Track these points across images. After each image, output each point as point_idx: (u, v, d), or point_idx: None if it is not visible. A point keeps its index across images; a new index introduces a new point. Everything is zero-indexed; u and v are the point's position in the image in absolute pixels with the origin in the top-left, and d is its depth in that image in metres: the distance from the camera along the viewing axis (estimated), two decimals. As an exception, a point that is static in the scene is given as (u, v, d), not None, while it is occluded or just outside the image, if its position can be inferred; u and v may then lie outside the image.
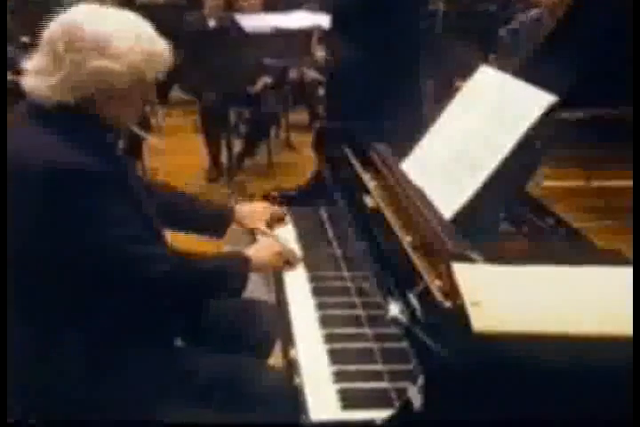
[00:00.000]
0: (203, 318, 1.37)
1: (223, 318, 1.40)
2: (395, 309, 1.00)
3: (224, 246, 1.82)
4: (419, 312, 0.96)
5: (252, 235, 1.56)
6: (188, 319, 1.32)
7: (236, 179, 3.68)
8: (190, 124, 4.72)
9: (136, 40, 1.08)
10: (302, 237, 1.55)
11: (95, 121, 1.11)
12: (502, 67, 1.31)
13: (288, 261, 1.39)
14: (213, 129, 3.72)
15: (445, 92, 1.44)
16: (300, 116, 4.89)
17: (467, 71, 1.36)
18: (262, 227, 1.52)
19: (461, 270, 0.95)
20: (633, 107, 1.13)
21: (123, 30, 1.08)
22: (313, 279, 1.35)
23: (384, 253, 1.18)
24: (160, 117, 4.89)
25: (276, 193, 1.71)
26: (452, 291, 0.94)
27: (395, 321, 0.99)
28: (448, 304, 0.94)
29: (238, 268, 1.27)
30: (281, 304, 1.29)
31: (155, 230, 1.22)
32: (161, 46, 1.13)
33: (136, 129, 1.28)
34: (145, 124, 3.27)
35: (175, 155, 3.87)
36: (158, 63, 1.12)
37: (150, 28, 1.13)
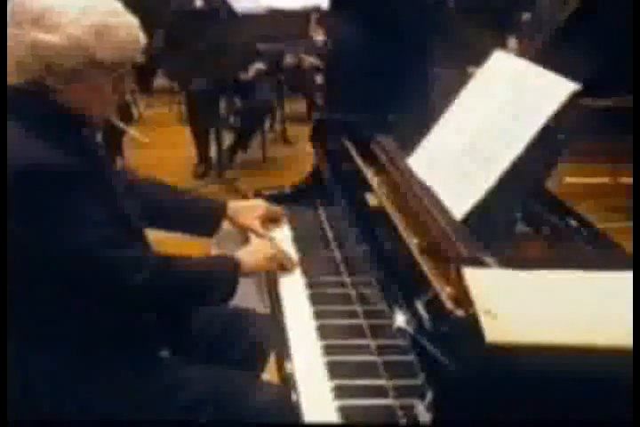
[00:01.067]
0: (189, 328, 1.37)
1: (211, 328, 1.40)
2: (400, 318, 1.00)
3: (211, 247, 1.83)
4: (427, 322, 0.96)
5: (244, 235, 1.56)
6: (174, 329, 1.33)
7: (227, 175, 3.69)
8: (176, 114, 4.73)
9: (82, 12, 1.05)
10: (299, 239, 1.55)
11: (59, 109, 1.10)
12: (524, 52, 1.31)
13: (283, 266, 1.39)
14: (201, 120, 3.72)
15: (457, 80, 1.45)
16: (296, 106, 4.90)
17: (481, 56, 1.37)
18: (257, 226, 1.53)
19: (474, 276, 0.96)
20: (633, 107, 1.14)
21: (68, 1, 1.06)
22: (310, 285, 1.36)
23: (388, 256, 1.18)
24: (142, 107, 4.91)
25: (271, 191, 1.72)
26: (464, 298, 0.94)
27: (400, 332, 0.99)
28: (459, 313, 0.95)
29: (227, 273, 1.27)
30: (275, 313, 1.29)
31: (135, 232, 1.22)
32: (119, 22, 1.08)
33: (115, 120, 1.28)
34: (125, 115, 3.28)
35: (159, 149, 3.87)
36: (113, 42, 1.08)
37: (115, 4, 1.10)
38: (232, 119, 4.05)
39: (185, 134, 3.90)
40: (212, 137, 3.72)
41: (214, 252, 1.81)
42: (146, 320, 1.22)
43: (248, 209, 1.53)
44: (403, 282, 1.09)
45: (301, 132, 3.87)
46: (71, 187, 1.06)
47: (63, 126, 1.11)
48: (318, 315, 1.26)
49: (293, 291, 1.35)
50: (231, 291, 1.26)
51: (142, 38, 1.14)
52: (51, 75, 1.07)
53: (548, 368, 0.84)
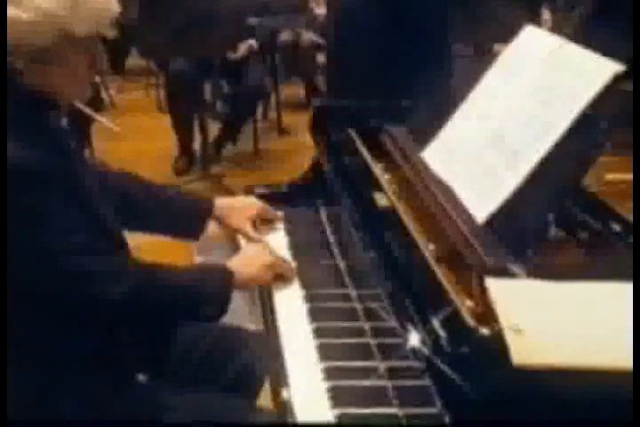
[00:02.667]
0: (172, 349, 1.38)
1: (197, 349, 1.41)
2: (414, 337, 1.01)
3: (195, 255, 1.84)
4: (444, 341, 0.97)
5: (233, 239, 1.57)
6: (153, 350, 1.34)
7: (213, 171, 3.70)
8: (153, 100, 4.75)
9: None
10: (296, 244, 1.56)
11: (28, 94, 1.11)
12: (559, 27, 1.33)
13: (280, 276, 1.40)
14: (183, 107, 3.73)
15: (481, 59, 1.46)
16: (294, 90, 4.92)
17: (509, 32, 1.38)
18: (249, 228, 1.54)
19: (499, 288, 0.97)
20: (633, 106, 1.15)
21: None
22: (310, 299, 1.37)
23: (400, 265, 1.19)
24: (113, 91, 4.93)
25: (264, 189, 1.73)
26: (487, 314, 0.96)
27: (414, 353, 1.00)
28: (482, 331, 0.96)
29: (219, 286, 1.28)
30: (269, 331, 1.30)
31: (113, 237, 1.23)
32: None
33: (82, 107, 1.28)
34: (94, 101, 3.28)
35: (133, 140, 3.89)
36: (88, 12, 1.10)
37: None
38: (219, 106, 4.06)
39: (164, 123, 3.91)
40: (196, 127, 3.73)
41: (198, 259, 1.82)
42: (119, 339, 1.23)
43: (239, 208, 1.54)
44: (416, 295, 1.10)
45: (299, 122, 3.88)
46: (36, 186, 1.07)
47: (30, 113, 1.12)
48: (319, 333, 1.27)
49: (290, 305, 1.35)
50: (223, 307, 1.27)
51: (116, 6, 1.15)
52: (19, 55, 1.09)
53: (582, 394, 0.85)
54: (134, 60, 5.30)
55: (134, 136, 3.89)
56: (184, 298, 1.25)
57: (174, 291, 1.24)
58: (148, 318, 1.23)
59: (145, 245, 1.57)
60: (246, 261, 1.36)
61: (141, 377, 1.30)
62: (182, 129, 3.83)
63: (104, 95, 4.46)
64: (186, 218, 1.49)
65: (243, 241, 1.56)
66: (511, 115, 1.27)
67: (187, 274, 1.30)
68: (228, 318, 1.31)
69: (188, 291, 1.26)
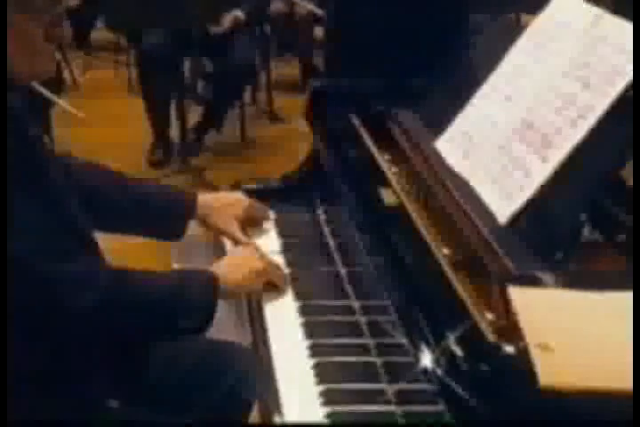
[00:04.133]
0: (147, 368, 1.39)
1: (177, 368, 1.42)
2: (426, 356, 1.02)
3: (172, 261, 1.84)
4: (461, 360, 0.98)
5: (216, 242, 1.58)
6: (126, 369, 1.35)
7: (193, 163, 3.70)
8: (123, 80, 4.75)
9: None
10: (291, 248, 1.57)
11: None
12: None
13: (271, 285, 1.41)
14: (158, 88, 3.73)
15: (506, 32, 1.47)
16: (287, 69, 4.92)
17: (538, 1, 1.39)
18: (236, 229, 1.55)
19: (524, 299, 0.98)
20: (633, 106, 1.17)
21: None
22: (306, 311, 1.38)
23: (410, 273, 1.20)
24: (77, 70, 4.93)
25: (253, 185, 1.73)
26: (511, 328, 0.96)
27: (426, 374, 1.01)
28: (504, 348, 0.97)
29: (201, 294, 1.29)
30: (259, 348, 1.31)
31: (83, 239, 1.24)
32: None
33: (39, 88, 1.28)
34: (54, 81, 3.28)
35: (100, 127, 3.90)
36: None
37: None
38: (200, 87, 4.07)
39: (136, 107, 3.91)
40: (173, 111, 3.74)
41: (176, 265, 1.83)
42: (85, 355, 1.24)
43: (223, 206, 1.55)
44: (429, 307, 1.11)
45: (294, 106, 3.88)
46: None
47: None
48: (316, 351, 1.28)
49: (283, 318, 1.36)
50: (206, 319, 1.27)
51: None
52: None
53: (618, 420, 0.86)
54: (101, 34, 5.29)
55: (101, 122, 3.90)
56: (161, 308, 1.26)
57: (150, 300, 1.25)
58: (120, 331, 1.24)
59: (114, 248, 1.57)
60: (232, 267, 1.36)
61: (112, 402, 1.31)
62: (157, 114, 3.83)
63: (65, 74, 4.45)
64: (165, 217, 1.49)
65: (228, 244, 1.57)
66: (541, 97, 1.28)
67: (165, 281, 1.31)
68: (213, 333, 1.32)
69: (166, 300, 1.26)
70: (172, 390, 1.39)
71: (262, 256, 1.42)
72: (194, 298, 1.28)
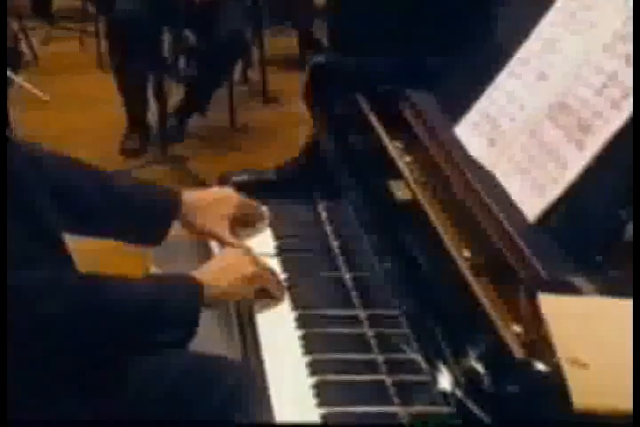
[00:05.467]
0: (124, 385, 1.39)
1: (157, 385, 1.42)
2: (444, 375, 1.03)
3: (151, 265, 1.85)
4: (484, 380, 0.99)
5: (202, 245, 1.59)
6: (100, 387, 1.35)
7: (175, 152, 3.70)
8: (91, 54, 4.74)
9: None
10: (287, 251, 1.58)
11: None
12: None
13: (265, 292, 1.42)
14: (133, 64, 3.73)
15: (535, 3, 1.47)
16: (283, 42, 4.92)
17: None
18: (224, 230, 1.55)
19: (556, 308, 0.98)
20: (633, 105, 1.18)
21: None
22: (305, 322, 1.38)
23: (425, 278, 1.21)
24: (38, 43, 4.91)
25: (243, 176, 1.74)
26: (541, 342, 0.97)
27: (444, 396, 1.01)
28: (533, 365, 0.97)
29: (183, 302, 1.30)
30: (250, 364, 1.32)
31: (52, 242, 1.24)
32: None
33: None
34: (10, 56, 3.27)
35: (66, 110, 3.90)
36: None
37: None
38: (182, 63, 4.06)
39: (107, 87, 3.91)
40: (150, 91, 3.74)
41: (155, 270, 1.83)
42: (54, 372, 1.24)
43: (211, 204, 1.56)
44: (446, 318, 1.11)
45: (291, 85, 3.87)
46: None
47: None
48: (317, 368, 1.28)
49: (278, 331, 1.37)
50: (189, 330, 1.28)
51: None
52: None
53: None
54: (64, 0, 5.29)
55: (66, 104, 3.90)
56: (137, 319, 1.27)
57: (123, 310, 1.26)
58: (89, 342, 1.25)
59: (83, 249, 1.58)
60: (219, 272, 1.37)
61: (87, 415, 1.31)
62: (132, 95, 3.82)
63: (24, 48, 4.44)
64: (144, 220, 1.50)
65: (216, 247, 1.58)
66: (579, 75, 1.28)
67: (141, 288, 1.32)
68: (197, 346, 1.32)
69: (143, 310, 1.27)
70: (152, 409, 1.39)
71: (254, 260, 1.43)
72: (174, 307, 1.29)
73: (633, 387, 0.89)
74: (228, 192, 1.61)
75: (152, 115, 3.78)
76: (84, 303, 1.21)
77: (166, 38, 3.83)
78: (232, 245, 1.53)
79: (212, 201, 1.56)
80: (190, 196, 1.55)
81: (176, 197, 1.53)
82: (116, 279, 1.31)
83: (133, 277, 1.38)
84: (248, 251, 1.49)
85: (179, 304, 1.29)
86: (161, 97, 3.61)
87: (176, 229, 1.57)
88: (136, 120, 3.85)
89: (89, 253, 1.46)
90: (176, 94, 3.88)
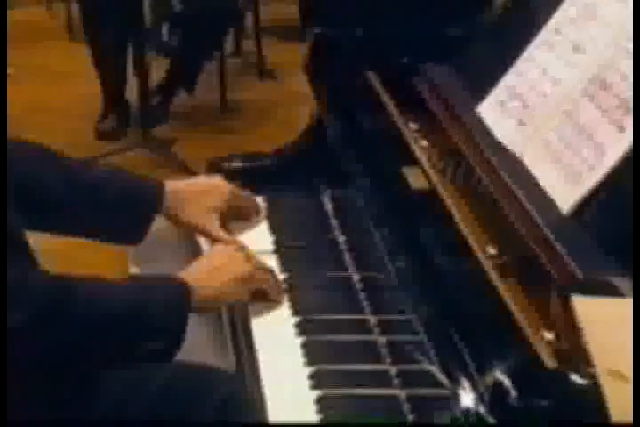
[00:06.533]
0: (102, 399, 1.40)
1: (139, 399, 1.43)
2: (465, 389, 1.04)
3: (130, 265, 1.85)
4: (511, 394, 0.99)
5: (190, 240, 1.59)
6: (74, 401, 1.36)
7: (157, 134, 3.70)
8: (60, 21, 4.73)
9: None
10: (287, 248, 1.58)
11: None
12: None
13: (262, 293, 1.42)
14: (109, 33, 3.72)
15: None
16: (281, 9, 4.91)
17: None
18: (214, 225, 1.55)
19: (593, 311, 0.98)
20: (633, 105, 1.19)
21: None
22: (307, 329, 1.38)
23: (443, 278, 1.21)
24: None
25: (237, 163, 1.74)
26: (575, 351, 0.97)
27: (466, 413, 1.02)
28: (567, 377, 0.97)
29: (169, 306, 1.30)
30: (244, 375, 1.32)
31: (13, 241, 1.24)
32: None
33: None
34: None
35: (32, 85, 3.89)
36: None
37: None
38: (165, 34, 4.06)
39: (79, 58, 3.91)
40: (131, 65, 3.73)
41: (134, 269, 1.83)
42: (21, 386, 1.25)
43: (199, 195, 1.56)
44: (468, 324, 1.12)
45: (290, 58, 3.85)
46: None
47: None
48: (320, 381, 1.28)
49: (277, 338, 1.37)
50: (175, 339, 1.29)
51: None
52: None
53: None
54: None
55: (32, 79, 3.90)
56: (116, 328, 1.27)
57: (100, 317, 1.26)
58: (64, 356, 1.25)
59: (51, 249, 1.58)
60: (209, 273, 1.38)
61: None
62: (108, 69, 3.81)
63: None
64: (121, 214, 1.50)
65: (204, 243, 1.59)
66: (619, 47, 1.28)
67: (121, 290, 1.32)
68: (184, 356, 1.33)
69: (122, 317, 1.27)
70: (129, 425, 1.40)
71: (248, 257, 1.44)
72: (157, 314, 1.29)
73: (633, 387, 0.90)
74: (218, 181, 1.61)
75: (131, 92, 3.77)
76: (54, 309, 1.21)
77: (146, 2, 3.81)
78: (223, 241, 1.53)
79: (199, 191, 1.57)
80: (175, 186, 1.55)
81: (158, 187, 1.54)
82: (91, 281, 1.31)
83: (110, 278, 1.38)
84: (241, 247, 1.49)
85: (162, 310, 1.29)
86: (141, 71, 3.60)
87: (159, 224, 1.57)
88: (113, 98, 3.85)
89: (55, 253, 1.45)
90: (159, 68, 3.87)
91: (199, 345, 1.49)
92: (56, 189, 1.45)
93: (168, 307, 1.30)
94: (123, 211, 1.50)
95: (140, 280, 1.42)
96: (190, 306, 1.32)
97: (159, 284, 1.34)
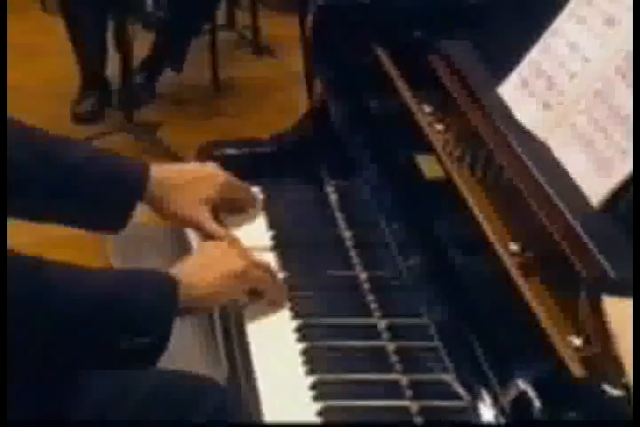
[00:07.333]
0: (78, 409, 1.40)
1: (121, 409, 1.43)
2: (485, 402, 1.05)
3: (112, 261, 1.86)
4: (535, 406, 1.00)
5: (179, 234, 1.59)
6: (44, 409, 1.36)
7: (141, 117, 3.70)
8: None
9: None
10: (286, 243, 1.59)
11: None
12: None
13: (257, 294, 1.43)
14: (85, 3, 3.72)
15: None
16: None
17: None
18: (205, 217, 1.56)
19: (627, 314, 0.99)
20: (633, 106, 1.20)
21: None
22: (308, 334, 1.39)
23: (460, 278, 1.22)
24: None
25: (231, 149, 1.75)
26: (606, 359, 0.98)
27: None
28: (597, 387, 0.98)
29: (151, 305, 1.30)
30: (240, 386, 1.32)
31: None
32: None
33: None
34: None
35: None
36: None
37: None
38: (150, 4, 4.05)
39: (54, 32, 3.90)
40: (111, 40, 3.72)
41: (117, 264, 1.84)
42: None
43: (189, 184, 1.57)
44: (487, 329, 1.12)
45: (290, 32, 3.84)
46: None
47: None
48: (323, 391, 1.29)
49: (275, 343, 1.38)
50: (160, 340, 1.29)
51: None
52: None
53: None
54: None
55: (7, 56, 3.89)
56: (90, 322, 1.27)
57: (74, 307, 1.26)
58: (23, 350, 1.25)
59: (27, 242, 1.59)
60: (199, 270, 1.38)
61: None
62: (87, 44, 3.81)
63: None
64: (100, 197, 1.50)
65: (195, 238, 1.59)
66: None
67: (100, 280, 1.32)
68: (171, 362, 1.33)
69: (100, 308, 1.27)
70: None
71: (244, 253, 1.44)
72: (140, 310, 1.29)
73: (633, 387, 0.92)
74: (209, 169, 1.62)
75: (112, 69, 3.77)
76: (17, 295, 1.20)
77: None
78: (216, 235, 1.54)
79: (189, 180, 1.57)
80: (162, 171, 1.56)
81: (143, 170, 1.54)
82: (65, 267, 1.31)
83: (91, 268, 1.38)
84: (236, 243, 1.50)
85: (147, 306, 1.30)
86: (124, 47, 3.60)
87: (144, 215, 1.58)
88: (92, 76, 3.84)
89: (30, 250, 1.45)
90: (143, 43, 3.87)
91: (188, 351, 1.50)
92: (26, 168, 1.45)
93: (152, 304, 1.30)
94: (100, 195, 1.51)
95: (124, 273, 1.42)
96: (178, 305, 1.32)
97: (145, 278, 1.34)
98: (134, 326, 1.29)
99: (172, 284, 1.32)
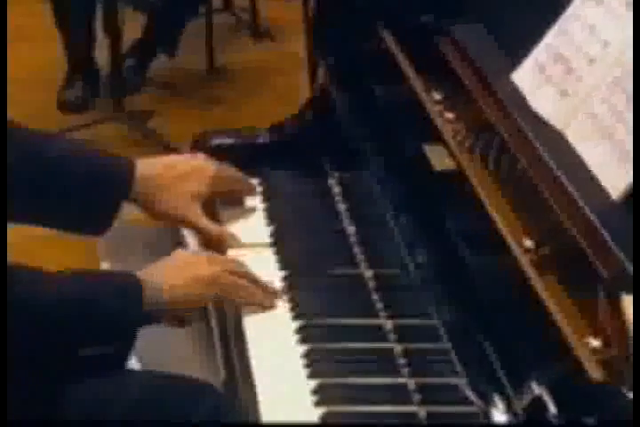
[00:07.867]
0: (60, 415, 1.41)
1: (103, 412, 1.43)
2: (498, 406, 1.06)
3: (101, 260, 1.86)
4: (550, 410, 1.00)
5: (174, 232, 1.61)
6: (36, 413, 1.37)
7: (132, 105, 3.69)
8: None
9: None
10: (286, 240, 1.59)
11: None
12: None
13: (250, 293, 1.43)
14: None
15: None
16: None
17: None
18: (197, 214, 1.56)
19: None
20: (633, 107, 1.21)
21: None
22: (310, 336, 1.39)
23: (471, 276, 1.22)
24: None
25: (227, 139, 1.76)
26: (625, 361, 0.99)
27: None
28: (617, 390, 0.98)
29: (116, 306, 1.31)
30: (237, 390, 1.33)
31: None
32: None
33: None
34: None
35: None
36: None
37: None
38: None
39: (39, 16, 3.90)
40: (100, 23, 3.72)
41: (106, 264, 1.85)
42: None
43: (177, 179, 1.57)
44: (500, 330, 1.13)
45: (290, 15, 3.84)
46: None
47: None
48: (326, 395, 1.29)
49: (275, 346, 1.38)
50: (123, 343, 1.31)
51: None
52: None
53: None
54: None
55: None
56: (51, 321, 1.29)
57: (35, 309, 1.28)
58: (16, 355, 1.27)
59: (16, 248, 1.59)
60: (167, 274, 1.40)
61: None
62: (74, 27, 3.81)
63: None
64: (82, 198, 1.51)
65: (190, 236, 1.60)
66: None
67: (62, 282, 1.33)
68: (166, 366, 1.33)
69: (61, 310, 1.29)
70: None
71: (216, 260, 1.45)
72: (103, 313, 1.31)
73: (633, 387, 0.93)
74: (199, 161, 1.61)
75: (101, 55, 3.76)
76: None
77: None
78: (210, 231, 1.55)
79: (177, 175, 1.57)
80: (149, 166, 1.56)
81: (128, 169, 1.54)
82: (28, 269, 1.33)
83: (55, 271, 1.39)
84: (235, 239, 1.51)
85: (109, 309, 1.31)
86: (113, 30, 3.59)
87: (135, 214, 1.58)
88: (79, 62, 3.83)
89: (16, 251, 1.46)
90: (134, 26, 3.85)
91: (183, 354, 1.50)
92: (11, 168, 1.45)
93: (112, 308, 1.32)
94: (81, 195, 1.51)
95: (89, 274, 1.42)
96: (141, 308, 1.33)
97: (109, 279, 1.37)
98: (96, 332, 1.31)
99: (137, 289, 1.34)
